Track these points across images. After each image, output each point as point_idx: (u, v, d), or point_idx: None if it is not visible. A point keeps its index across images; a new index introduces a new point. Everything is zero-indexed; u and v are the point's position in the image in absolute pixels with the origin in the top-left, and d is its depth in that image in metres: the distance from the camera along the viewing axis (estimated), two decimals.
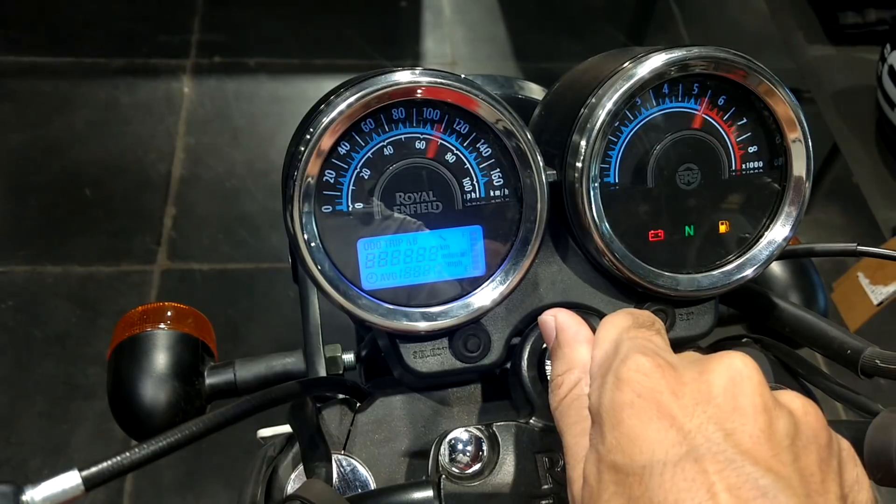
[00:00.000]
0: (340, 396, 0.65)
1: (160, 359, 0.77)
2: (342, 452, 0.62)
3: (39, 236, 2.29)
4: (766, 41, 2.49)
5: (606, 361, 0.47)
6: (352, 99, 0.53)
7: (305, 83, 2.66)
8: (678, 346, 0.57)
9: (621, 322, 0.50)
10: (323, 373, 0.76)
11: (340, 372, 0.79)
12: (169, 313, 0.83)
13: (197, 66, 2.71)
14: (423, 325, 0.57)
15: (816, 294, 0.84)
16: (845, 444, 0.45)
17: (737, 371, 0.43)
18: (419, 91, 0.53)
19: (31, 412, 1.97)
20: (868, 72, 1.50)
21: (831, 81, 1.57)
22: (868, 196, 1.45)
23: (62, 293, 2.19)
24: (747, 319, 0.74)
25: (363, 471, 0.62)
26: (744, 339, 0.70)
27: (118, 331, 0.82)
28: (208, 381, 0.78)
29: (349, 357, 0.80)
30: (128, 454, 0.46)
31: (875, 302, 1.38)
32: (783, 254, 0.72)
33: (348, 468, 0.62)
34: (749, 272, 0.60)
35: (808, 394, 0.67)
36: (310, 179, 0.53)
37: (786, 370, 0.67)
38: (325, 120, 0.53)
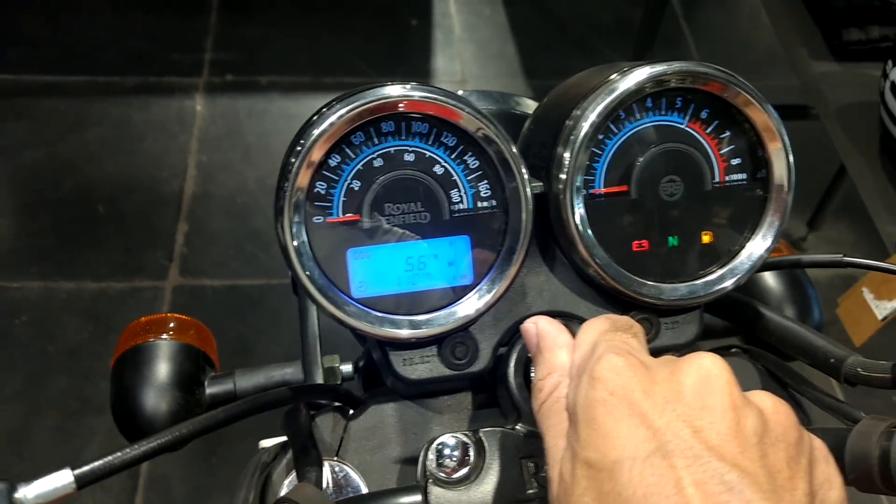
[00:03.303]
0: (335, 404, 0.66)
1: (162, 368, 0.79)
2: (335, 458, 0.63)
3: (53, 252, 2.32)
4: (776, 58, 2.50)
5: (584, 363, 0.49)
6: (341, 112, 0.55)
7: (316, 101, 2.66)
8: (663, 354, 0.58)
9: (599, 326, 0.51)
10: (320, 382, 0.77)
11: (339, 382, 0.81)
12: (171, 324, 0.85)
13: (209, 84, 2.74)
14: (410, 333, 0.58)
15: (811, 306, 0.85)
16: (817, 444, 0.46)
17: (706, 371, 0.45)
18: (401, 105, 0.55)
19: (43, 426, 1.99)
20: (872, 88, 1.50)
21: (835, 97, 1.58)
22: (872, 211, 1.45)
23: (75, 308, 2.22)
24: (738, 330, 0.75)
25: (355, 476, 0.63)
26: (733, 349, 0.70)
27: (122, 341, 0.84)
28: (208, 390, 0.80)
29: (347, 367, 0.82)
30: (119, 454, 0.47)
31: (880, 317, 1.38)
32: (770, 265, 0.73)
33: (341, 474, 0.63)
34: (731, 282, 0.61)
35: (795, 403, 0.68)
36: (300, 190, 0.55)
37: (774, 379, 0.68)
38: (316, 132, 0.55)
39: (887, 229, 1.39)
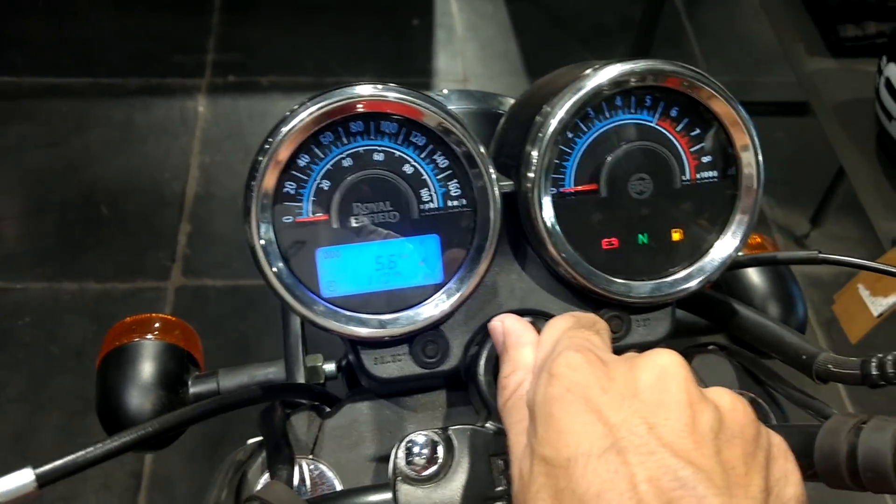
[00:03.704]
0: (312, 403, 0.67)
1: (146, 368, 0.80)
2: (310, 457, 0.64)
3: (56, 253, 2.33)
4: (778, 54, 2.49)
5: (545, 360, 0.49)
6: (310, 110, 0.55)
7: None
8: (633, 351, 0.58)
9: (563, 323, 0.52)
10: (301, 382, 0.78)
11: (322, 381, 0.81)
12: (156, 324, 0.85)
13: (212, 85, 2.75)
14: (378, 332, 0.58)
15: (795, 304, 0.85)
16: (776, 440, 0.46)
17: (663, 368, 0.45)
18: (359, 106, 0.55)
19: (47, 427, 2.00)
20: (868, 84, 1.50)
21: (831, 94, 1.57)
22: (868, 207, 1.45)
23: (78, 309, 2.23)
24: (716, 328, 0.75)
25: (331, 474, 0.64)
26: (710, 347, 0.71)
27: (107, 341, 0.84)
28: (192, 390, 0.80)
29: (330, 367, 0.82)
30: (82, 453, 0.48)
31: (875, 314, 1.38)
32: (746, 262, 0.73)
33: (316, 472, 0.64)
34: (700, 280, 0.61)
35: (771, 400, 0.68)
36: (268, 189, 0.56)
37: (750, 377, 0.68)
38: (284, 130, 0.55)
39: (883, 225, 1.39)
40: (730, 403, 0.45)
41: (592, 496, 0.41)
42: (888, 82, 1.38)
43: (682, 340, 0.78)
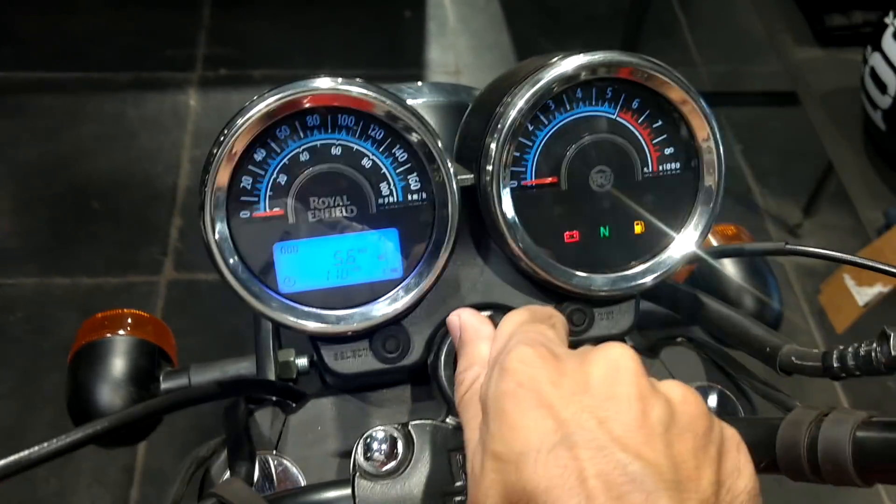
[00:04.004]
0: (276, 398, 0.66)
1: (116, 364, 0.79)
2: (273, 453, 0.63)
3: (48, 249, 2.33)
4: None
5: (498, 355, 0.49)
6: (267, 101, 0.55)
7: None
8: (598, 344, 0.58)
9: (518, 317, 0.51)
10: (272, 377, 0.77)
11: (294, 376, 0.81)
12: (129, 320, 0.85)
13: (203, 78, 2.75)
14: (335, 328, 0.58)
15: (771, 295, 0.84)
16: (729, 433, 0.46)
17: (614, 361, 0.45)
18: (306, 102, 0.55)
19: (38, 423, 2.00)
20: (855, 74, 1.49)
21: (818, 83, 1.57)
22: (854, 197, 1.44)
23: (70, 304, 2.23)
24: (686, 320, 0.74)
25: (295, 470, 0.63)
26: (679, 339, 0.70)
27: (78, 337, 0.84)
28: (163, 385, 0.80)
29: (303, 361, 0.82)
30: (26, 452, 0.47)
31: (861, 303, 1.38)
32: (712, 254, 0.73)
33: (279, 468, 0.63)
34: (661, 272, 0.61)
35: (740, 392, 0.68)
36: (223, 184, 0.55)
37: (719, 369, 0.68)
38: (239, 121, 0.55)
39: (868, 215, 1.38)
40: (681, 396, 0.45)
41: (542, 491, 0.40)
42: (873, 72, 1.37)
43: (655, 333, 0.78)
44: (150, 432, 0.79)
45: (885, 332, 0.51)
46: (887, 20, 1.36)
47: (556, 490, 0.40)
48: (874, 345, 0.52)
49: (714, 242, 0.88)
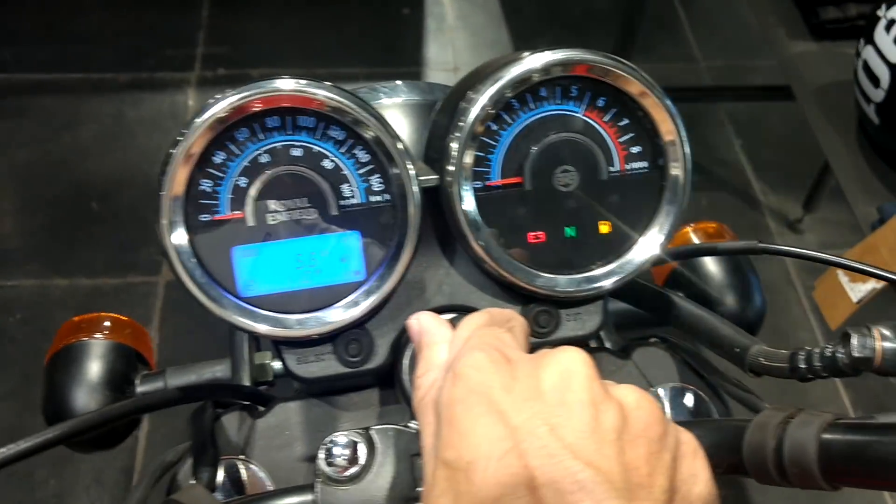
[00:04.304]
0: (244, 402, 0.66)
1: (92, 368, 0.79)
2: (241, 457, 0.63)
3: (47, 250, 2.33)
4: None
5: (453, 360, 0.48)
6: (222, 104, 0.54)
7: None
8: (566, 345, 0.57)
9: (475, 321, 0.51)
10: (247, 380, 0.77)
11: (270, 379, 0.80)
12: (106, 323, 0.85)
13: (201, 78, 2.75)
14: (294, 332, 0.57)
15: (752, 293, 0.84)
16: (685, 438, 0.45)
17: (566, 367, 0.44)
18: (257, 106, 0.54)
19: (37, 424, 1.99)
20: (849, 67, 1.48)
21: (813, 77, 1.55)
22: (847, 192, 1.43)
23: (69, 306, 2.23)
24: (659, 320, 0.73)
25: (262, 475, 0.63)
26: (652, 340, 0.69)
27: (55, 341, 0.84)
28: (139, 389, 0.80)
29: (279, 364, 0.81)
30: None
31: (854, 300, 1.36)
32: (683, 253, 0.72)
33: (247, 473, 0.63)
34: (627, 273, 0.60)
35: (714, 393, 0.67)
36: (180, 184, 0.55)
37: (692, 370, 0.67)
38: (197, 121, 0.54)
39: (862, 210, 1.37)
40: (635, 402, 0.44)
41: (492, 500, 0.40)
42: (866, 65, 1.36)
43: (631, 333, 0.77)
44: (125, 437, 0.79)
45: (846, 334, 0.50)
46: (880, 13, 1.35)
47: (505, 499, 0.39)
48: (839, 346, 0.51)
49: (695, 240, 0.88)
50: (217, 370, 0.82)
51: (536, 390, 0.43)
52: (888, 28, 1.31)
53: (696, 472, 0.44)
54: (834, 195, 2.37)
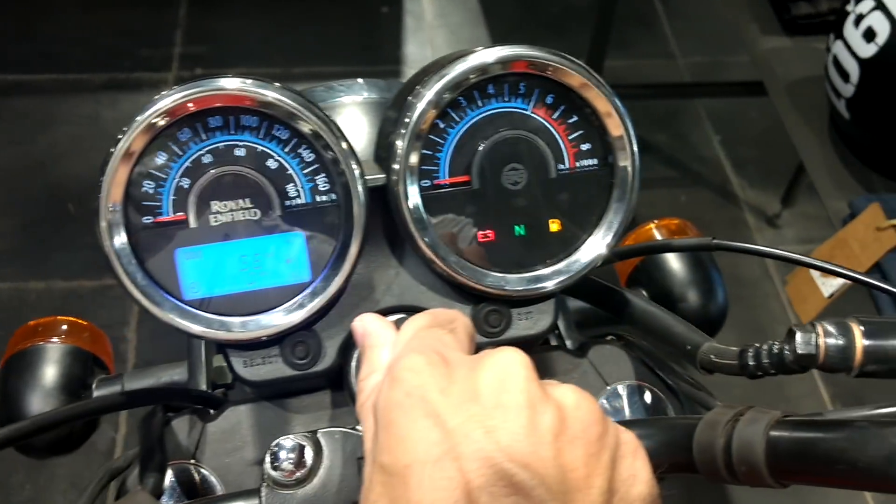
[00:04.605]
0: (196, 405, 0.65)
1: (48, 373, 0.78)
2: (191, 462, 0.62)
3: (23, 252, 2.31)
4: None
5: (393, 362, 0.47)
6: (164, 101, 0.54)
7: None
8: (517, 346, 0.57)
9: (418, 322, 0.50)
10: (204, 383, 0.76)
11: (229, 381, 0.80)
12: (63, 327, 0.84)
13: (179, 79, 2.73)
14: (238, 335, 0.57)
15: (714, 290, 0.83)
16: (626, 438, 0.45)
17: (503, 368, 0.43)
18: (189, 105, 0.53)
19: None
20: (820, 62, 1.48)
21: (785, 72, 1.55)
22: (819, 187, 1.43)
23: (46, 308, 2.21)
24: (615, 318, 0.73)
25: (213, 479, 0.62)
26: (608, 338, 0.69)
27: (10, 345, 0.83)
28: (96, 393, 0.79)
29: None
30: None
31: (826, 294, 1.37)
32: (638, 251, 0.72)
33: (198, 477, 0.62)
34: (577, 271, 0.60)
35: (671, 391, 0.66)
36: (120, 186, 0.54)
37: (647, 368, 0.67)
38: (138, 119, 0.54)
39: (833, 205, 1.37)
40: (574, 402, 0.43)
41: None
42: (836, 60, 1.36)
43: (591, 331, 0.77)
44: (82, 441, 0.78)
45: (791, 331, 0.49)
46: (848, 7, 1.35)
47: (441, 503, 0.39)
48: (785, 343, 0.51)
49: (658, 236, 0.87)
50: (175, 373, 0.80)
51: (473, 392, 0.42)
52: (857, 23, 1.31)
53: (636, 473, 0.44)
54: (811, 190, 2.37)
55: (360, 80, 0.85)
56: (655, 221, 0.89)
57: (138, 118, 0.53)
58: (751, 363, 0.54)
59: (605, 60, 2.28)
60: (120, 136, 0.54)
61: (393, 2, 3.01)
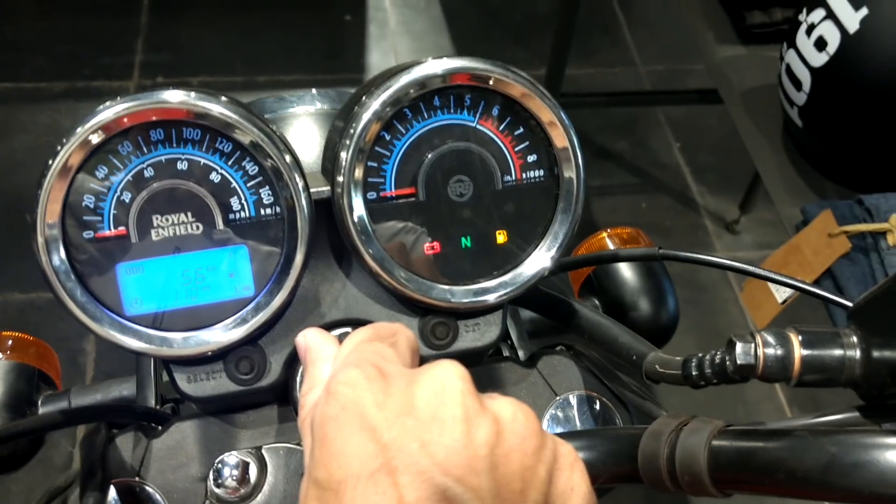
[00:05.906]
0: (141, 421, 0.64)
1: None
2: (136, 480, 0.61)
3: None
4: None
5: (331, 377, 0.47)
6: (105, 113, 0.53)
7: (249, 101, 2.65)
8: (464, 358, 0.57)
9: (359, 336, 0.50)
10: (153, 398, 0.75)
11: (178, 396, 0.79)
12: (9, 342, 0.82)
13: (140, 87, 2.70)
14: (178, 351, 0.56)
15: (665, 298, 0.84)
16: (564, 451, 0.45)
17: (440, 381, 0.43)
18: (125, 119, 0.53)
19: None
20: (774, 71, 1.50)
21: (740, 81, 1.57)
22: (773, 194, 1.44)
23: (2, 321, 2.18)
24: (564, 328, 0.73)
25: (158, 497, 0.61)
26: (558, 348, 0.69)
27: None
28: (42, 409, 0.77)
29: None
30: None
31: (780, 300, 1.38)
32: (585, 261, 0.72)
33: (142, 495, 0.61)
34: (524, 281, 0.60)
35: (619, 401, 0.67)
36: (58, 200, 0.53)
37: (596, 378, 0.67)
38: (79, 130, 0.53)
39: (786, 211, 1.39)
40: (511, 415, 0.43)
41: None
42: (789, 69, 1.37)
43: (541, 341, 0.77)
44: (25, 461, 0.77)
45: (731, 341, 0.50)
46: (801, 17, 1.37)
47: None
48: (725, 353, 0.51)
49: (611, 245, 0.88)
50: (124, 388, 0.79)
51: (410, 406, 0.42)
52: (808, 32, 1.33)
53: (574, 486, 0.44)
54: (768, 196, 2.40)
55: (312, 91, 0.85)
56: (608, 230, 0.89)
57: (79, 130, 0.53)
58: (694, 373, 0.54)
59: (567, 69, 2.30)
60: (59, 149, 0.53)
61: (356, 10, 3.01)
